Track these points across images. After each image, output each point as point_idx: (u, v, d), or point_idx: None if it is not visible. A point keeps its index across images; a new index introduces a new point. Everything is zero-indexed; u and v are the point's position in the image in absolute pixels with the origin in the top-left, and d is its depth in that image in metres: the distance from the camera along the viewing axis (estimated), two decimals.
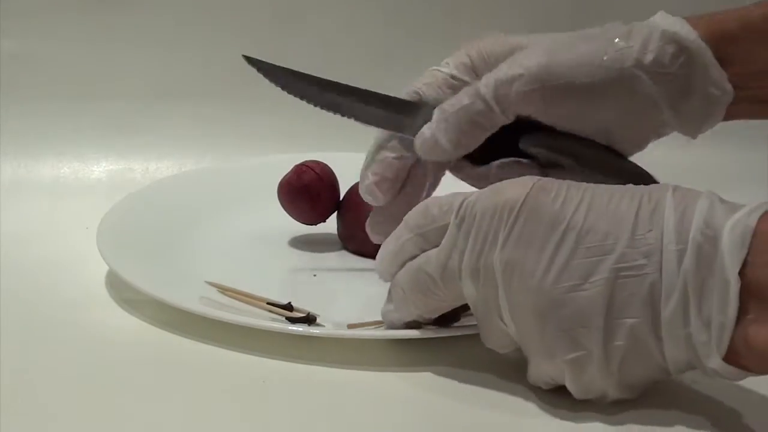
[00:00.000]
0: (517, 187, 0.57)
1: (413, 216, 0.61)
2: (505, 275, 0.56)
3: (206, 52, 1.02)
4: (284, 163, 0.81)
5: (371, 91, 0.68)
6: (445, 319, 0.63)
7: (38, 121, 0.98)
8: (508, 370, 0.61)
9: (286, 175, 0.79)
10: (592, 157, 0.64)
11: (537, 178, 0.58)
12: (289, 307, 0.67)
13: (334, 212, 0.80)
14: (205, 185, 0.87)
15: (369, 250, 0.76)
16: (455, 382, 0.61)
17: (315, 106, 0.68)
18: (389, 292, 0.63)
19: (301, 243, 0.81)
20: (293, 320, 0.66)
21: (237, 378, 0.62)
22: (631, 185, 0.57)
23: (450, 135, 0.64)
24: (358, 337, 0.64)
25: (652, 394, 0.58)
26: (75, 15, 1.00)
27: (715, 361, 0.53)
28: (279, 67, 0.69)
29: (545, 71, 0.63)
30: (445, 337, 0.64)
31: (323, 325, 0.66)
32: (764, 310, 0.52)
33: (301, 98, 0.68)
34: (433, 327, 0.63)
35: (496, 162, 0.65)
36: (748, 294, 0.52)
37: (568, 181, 0.57)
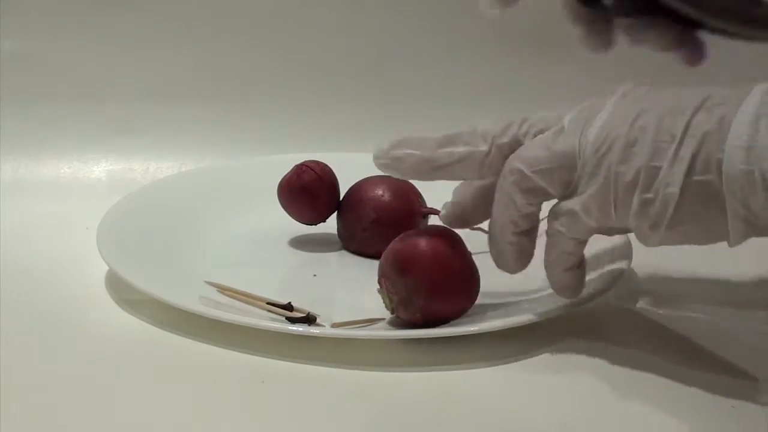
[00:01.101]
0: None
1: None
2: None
3: (206, 52, 1.02)
4: (284, 163, 0.80)
5: None
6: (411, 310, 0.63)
7: (38, 121, 0.98)
8: (512, 370, 0.61)
9: (286, 175, 0.79)
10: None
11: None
12: (289, 307, 0.67)
13: (334, 212, 0.80)
14: (205, 185, 0.87)
15: (369, 250, 0.77)
16: (455, 383, 0.61)
17: None
18: None
19: (301, 243, 0.81)
20: (293, 320, 0.66)
21: (237, 378, 0.62)
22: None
23: None
24: (358, 338, 0.64)
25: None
26: (75, 15, 1.00)
27: None
28: None
29: None
30: (445, 338, 0.64)
31: (323, 325, 0.66)
32: None
33: None
34: (433, 327, 0.64)
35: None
36: None
37: None
